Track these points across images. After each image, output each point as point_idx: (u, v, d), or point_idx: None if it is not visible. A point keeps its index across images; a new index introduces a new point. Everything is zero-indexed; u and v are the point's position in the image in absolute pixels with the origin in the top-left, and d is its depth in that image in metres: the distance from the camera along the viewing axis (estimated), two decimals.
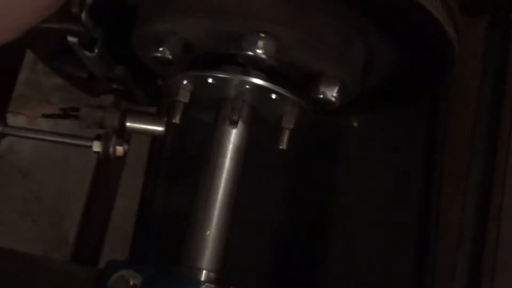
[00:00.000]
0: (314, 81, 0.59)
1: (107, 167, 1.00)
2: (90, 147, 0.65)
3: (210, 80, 0.59)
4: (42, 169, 1.08)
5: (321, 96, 0.59)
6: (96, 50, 0.62)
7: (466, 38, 0.80)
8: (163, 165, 1.02)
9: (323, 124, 0.74)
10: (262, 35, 0.55)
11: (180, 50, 0.57)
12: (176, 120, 0.60)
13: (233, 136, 0.61)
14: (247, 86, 0.58)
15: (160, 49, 0.57)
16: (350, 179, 0.97)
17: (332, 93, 0.59)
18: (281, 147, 0.61)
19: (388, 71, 0.66)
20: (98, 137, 0.64)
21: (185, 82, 0.60)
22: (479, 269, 0.85)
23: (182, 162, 1.01)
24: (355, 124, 0.95)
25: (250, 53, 0.55)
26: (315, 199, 0.97)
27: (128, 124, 0.64)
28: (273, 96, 0.59)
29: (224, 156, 0.61)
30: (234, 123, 0.60)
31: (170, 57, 0.57)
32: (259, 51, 0.55)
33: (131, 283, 0.60)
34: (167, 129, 0.64)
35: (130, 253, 1.01)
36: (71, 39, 0.60)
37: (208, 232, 0.59)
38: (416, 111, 0.97)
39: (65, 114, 0.66)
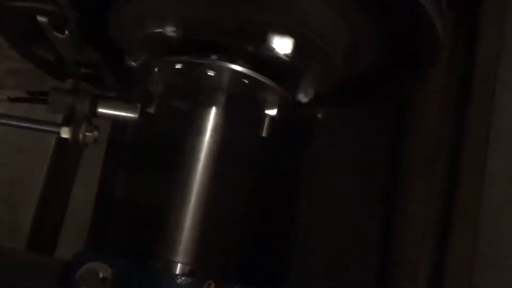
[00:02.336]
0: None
1: (64, 154, 0.96)
2: (58, 133, 0.62)
3: (181, 66, 0.57)
4: None
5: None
6: (66, 32, 0.59)
7: None
8: (124, 153, 0.99)
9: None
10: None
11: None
12: (152, 110, 0.58)
13: (210, 124, 0.60)
14: (223, 72, 0.56)
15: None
16: (316, 174, 0.97)
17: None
18: (262, 134, 0.59)
19: (373, 61, 0.65)
20: (66, 123, 0.61)
21: (157, 69, 0.58)
22: (442, 264, 0.85)
23: (143, 150, 0.99)
24: (319, 115, 0.94)
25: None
26: (282, 192, 0.96)
27: (100, 110, 0.61)
28: (249, 82, 0.57)
29: (200, 147, 0.59)
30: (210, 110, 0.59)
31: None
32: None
33: (101, 276, 0.58)
34: (140, 116, 0.62)
35: (87, 242, 0.98)
36: (41, 19, 0.57)
37: (183, 225, 0.57)
38: (382, 107, 0.97)
39: (33, 98, 0.63)
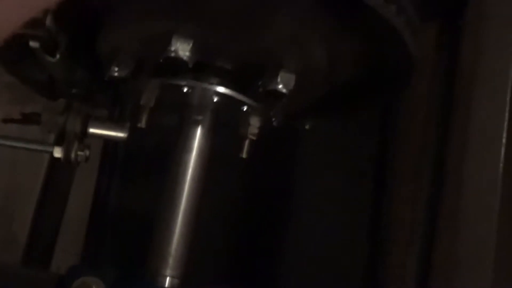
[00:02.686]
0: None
1: (59, 168, 0.98)
2: (51, 152, 0.64)
3: (168, 86, 0.60)
4: None
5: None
6: (57, 55, 0.62)
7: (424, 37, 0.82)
8: (117, 166, 1.01)
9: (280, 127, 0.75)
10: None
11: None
12: (142, 124, 0.60)
13: (197, 141, 0.62)
14: (213, 96, 0.59)
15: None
16: (306, 178, 0.99)
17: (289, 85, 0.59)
18: (242, 155, 0.62)
19: (349, 76, 0.67)
20: (58, 142, 0.64)
21: (150, 87, 0.60)
22: (428, 267, 0.88)
23: (136, 164, 1.01)
24: (307, 126, 0.97)
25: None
26: (270, 202, 0.99)
27: (90, 130, 0.64)
28: (239, 106, 0.60)
29: (187, 162, 0.62)
30: (197, 127, 0.61)
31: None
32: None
33: None
34: (129, 135, 0.64)
35: (82, 254, 1.01)
36: (33, 43, 0.60)
37: (172, 239, 0.60)
38: (369, 114, 0.99)
39: (26, 119, 0.66)
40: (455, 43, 0.97)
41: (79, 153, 0.64)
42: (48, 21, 0.57)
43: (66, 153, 0.63)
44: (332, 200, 0.99)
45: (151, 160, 0.97)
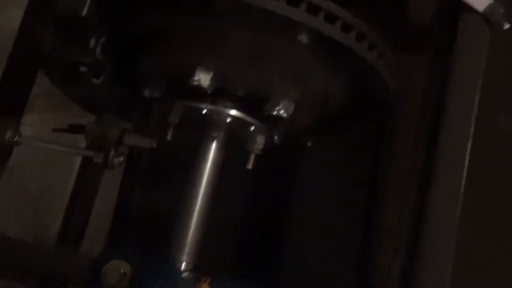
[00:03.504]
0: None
1: (88, 170, 1.11)
2: (92, 157, 0.77)
3: (195, 109, 0.74)
4: (27, 166, 1.19)
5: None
6: (101, 78, 0.76)
7: (409, 71, 0.95)
8: (140, 170, 1.15)
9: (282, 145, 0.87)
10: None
11: None
12: (168, 138, 0.74)
13: (212, 154, 0.76)
14: (227, 118, 0.73)
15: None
16: (305, 191, 1.12)
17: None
18: (248, 167, 0.75)
19: (340, 104, 0.81)
20: (100, 149, 0.77)
21: (176, 107, 0.74)
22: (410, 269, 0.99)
23: (155, 169, 1.15)
24: (309, 144, 1.10)
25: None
26: (274, 203, 1.11)
27: (125, 140, 0.77)
28: (248, 126, 0.73)
29: (203, 170, 0.75)
30: (213, 142, 0.75)
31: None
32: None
33: (122, 271, 0.72)
34: (157, 145, 0.77)
35: (106, 246, 1.14)
36: (82, 68, 0.73)
37: (189, 231, 0.73)
38: (363, 136, 1.12)
39: (73, 129, 0.79)
40: (445, 75, 1.09)
41: (115, 159, 0.78)
42: (98, 51, 0.71)
43: (105, 158, 0.76)
44: (327, 209, 1.11)
45: (168, 166, 1.10)
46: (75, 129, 0.78)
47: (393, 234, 1.05)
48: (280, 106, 0.72)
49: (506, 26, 0.80)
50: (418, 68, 1.13)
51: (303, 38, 0.66)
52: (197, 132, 0.77)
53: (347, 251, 1.11)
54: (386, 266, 1.05)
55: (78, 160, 1.14)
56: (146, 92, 0.75)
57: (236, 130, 0.75)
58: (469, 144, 0.81)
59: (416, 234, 1.00)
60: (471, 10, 0.80)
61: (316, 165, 1.14)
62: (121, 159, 0.78)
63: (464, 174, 0.81)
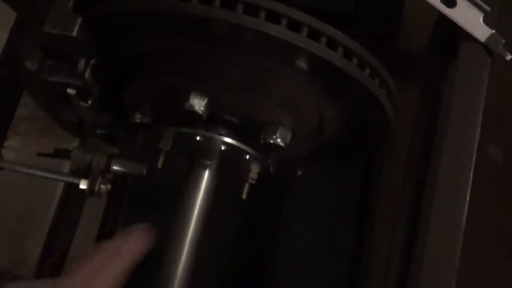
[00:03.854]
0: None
1: (72, 194, 1.08)
2: (77, 184, 0.74)
3: (187, 136, 0.70)
4: (6, 191, 1.15)
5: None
6: (89, 101, 0.72)
7: (401, 100, 0.93)
8: (125, 197, 1.12)
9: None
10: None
11: None
12: (159, 165, 0.70)
13: (204, 182, 0.73)
14: (221, 145, 0.70)
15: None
16: (295, 217, 1.10)
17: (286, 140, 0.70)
18: (242, 196, 0.72)
19: (336, 132, 0.78)
20: (86, 176, 0.74)
21: (168, 133, 0.71)
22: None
23: (142, 197, 1.12)
24: (299, 173, 1.08)
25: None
26: (263, 232, 1.09)
27: (113, 167, 0.74)
28: (242, 154, 0.70)
29: (195, 199, 0.72)
30: (206, 170, 0.72)
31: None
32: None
33: None
34: (147, 174, 0.74)
35: None
36: (70, 91, 0.70)
37: (179, 263, 0.70)
38: (353, 164, 1.10)
39: (58, 154, 0.75)
40: (436, 106, 1.08)
41: (102, 186, 0.74)
42: (87, 74, 0.67)
43: (91, 185, 0.73)
44: (316, 237, 1.09)
45: (154, 194, 1.07)
46: (60, 154, 0.75)
47: (382, 270, 1.04)
48: (277, 134, 0.69)
49: (509, 56, 0.78)
50: (409, 98, 1.12)
51: (303, 64, 0.64)
52: (189, 160, 0.74)
53: (336, 282, 1.08)
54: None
55: (60, 186, 1.11)
56: (137, 117, 0.72)
57: (230, 158, 0.72)
58: (471, 176, 0.79)
59: (407, 272, 0.98)
60: (471, 39, 0.78)
61: (305, 193, 1.12)
62: (109, 186, 0.75)
63: (465, 209, 0.79)
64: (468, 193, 0.82)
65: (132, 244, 0.64)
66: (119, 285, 0.60)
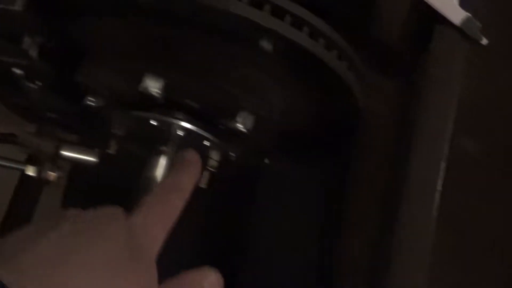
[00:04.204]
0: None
1: (28, 185, 1.03)
2: (23, 170, 0.69)
3: (142, 120, 0.66)
4: None
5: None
6: (38, 83, 0.67)
7: (378, 94, 0.89)
8: (84, 186, 1.06)
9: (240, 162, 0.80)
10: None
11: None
12: (112, 151, 0.66)
13: (163, 169, 0.68)
14: (179, 131, 0.65)
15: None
16: (262, 211, 1.05)
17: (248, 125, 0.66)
18: (202, 185, 0.68)
19: (304, 120, 0.74)
20: (32, 162, 0.69)
21: (122, 118, 0.66)
22: None
23: (101, 185, 1.06)
24: (266, 161, 1.03)
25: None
26: (230, 227, 1.04)
27: (63, 152, 0.69)
28: (201, 140, 0.66)
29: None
30: (161, 158, 0.67)
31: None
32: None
33: None
34: (100, 160, 0.70)
35: None
36: (16, 71, 0.65)
37: None
38: (325, 156, 1.06)
39: (4, 139, 0.71)
40: (407, 101, 1.04)
41: (50, 173, 0.69)
42: (34, 53, 0.62)
43: (38, 172, 0.68)
44: (285, 234, 1.05)
45: (115, 183, 1.02)
46: (7, 139, 0.70)
47: (354, 263, 1.00)
48: (238, 119, 0.64)
49: (484, 41, 0.74)
50: (384, 87, 1.08)
51: (266, 44, 0.59)
52: (144, 146, 0.69)
53: (305, 280, 1.04)
54: None
55: (17, 176, 1.06)
56: (89, 100, 0.67)
57: (188, 145, 0.67)
58: (442, 168, 0.76)
59: (379, 265, 0.94)
60: (446, 23, 0.74)
61: (274, 184, 1.08)
62: (59, 173, 0.70)
63: (437, 201, 0.75)
64: (440, 185, 0.78)
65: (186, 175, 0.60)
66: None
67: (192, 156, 0.63)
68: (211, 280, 0.59)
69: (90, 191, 1.06)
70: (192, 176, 0.61)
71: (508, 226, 1.05)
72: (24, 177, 0.97)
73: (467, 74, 0.89)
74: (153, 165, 0.68)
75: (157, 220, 0.55)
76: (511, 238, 1.14)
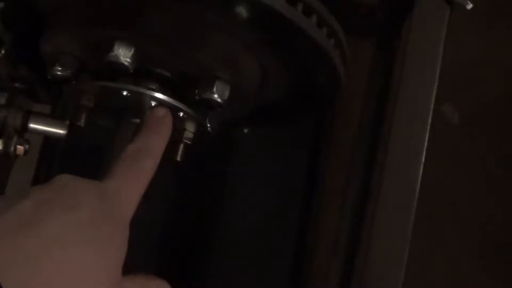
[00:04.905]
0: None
1: None
2: None
3: (113, 90, 0.62)
4: None
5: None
6: (2, 51, 0.64)
7: (353, 58, 0.86)
8: (55, 161, 1.03)
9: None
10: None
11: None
12: (81, 123, 0.63)
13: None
14: (151, 101, 0.62)
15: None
16: (237, 186, 1.03)
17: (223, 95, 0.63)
18: (177, 159, 0.65)
19: (280, 89, 0.71)
20: (1, 135, 0.66)
21: (91, 88, 0.63)
22: (350, 272, 0.91)
23: (74, 159, 1.03)
24: (245, 130, 1.00)
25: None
26: (203, 202, 1.02)
27: (30, 125, 0.66)
28: (175, 112, 0.63)
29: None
30: (133, 130, 0.64)
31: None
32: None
33: None
34: (68, 132, 0.67)
35: None
36: None
37: None
38: (302, 127, 1.03)
39: None
40: (389, 61, 1.02)
41: (18, 146, 0.66)
42: None
43: (5, 146, 0.65)
44: (262, 210, 1.03)
45: (89, 156, 0.99)
46: None
47: (331, 235, 0.99)
48: (214, 89, 0.61)
49: (469, 6, 0.72)
50: (361, 54, 1.06)
51: (242, 10, 0.56)
52: (116, 118, 0.66)
53: (281, 252, 1.03)
54: (324, 267, 0.98)
55: None
56: (56, 70, 0.64)
57: None
58: (426, 136, 0.74)
59: (356, 237, 0.93)
60: None
61: (250, 157, 1.05)
62: (26, 147, 0.67)
63: (420, 170, 0.73)
64: (424, 154, 0.77)
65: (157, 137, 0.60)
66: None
67: (164, 113, 0.61)
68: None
69: (62, 164, 1.03)
70: (164, 137, 0.60)
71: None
72: None
73: (449, 40, 0.87)
74: (124, 137, 0.65)
75: (129, 183, 0.54)
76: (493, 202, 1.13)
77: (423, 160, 0.78)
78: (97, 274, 0.47)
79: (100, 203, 0.50)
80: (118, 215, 0.52)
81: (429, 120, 0.77)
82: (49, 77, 0.65)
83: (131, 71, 0.60)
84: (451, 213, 1.19)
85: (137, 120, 0.65)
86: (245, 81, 0.65)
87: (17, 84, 0.71)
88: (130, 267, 0.63)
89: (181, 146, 0.65)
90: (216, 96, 0.61)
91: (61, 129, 0.67)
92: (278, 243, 1.03)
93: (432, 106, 0.79)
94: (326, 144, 1.05)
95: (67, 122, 0.67)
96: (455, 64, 1.26)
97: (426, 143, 0.78)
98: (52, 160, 1.03)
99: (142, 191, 0.55)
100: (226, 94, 0.62)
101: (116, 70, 0.60)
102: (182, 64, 0.62)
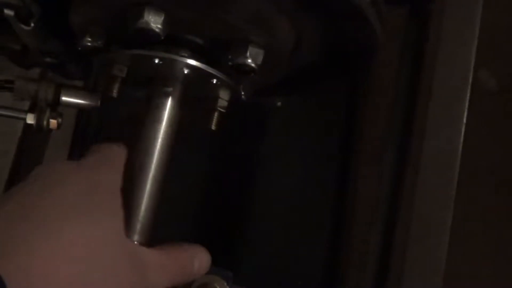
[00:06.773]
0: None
1: (32, 137, 0.99)
2: (24, 119, 0.66)
3: (144, 59, 0.61)
4: None
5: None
6: (32, 24, 0.63)
7: (386, 26, 0.84)
8: (91, 133, 1.03)
9: (247, 104, 0.76)
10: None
11: None
12: (114, 94, 0.62)
13: (167, 112, 0.63)
14: (184, 69, 0.61)
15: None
16: (272, 159, 1.01)
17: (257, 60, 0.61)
18: (211, 127, 0.64)
19: (314, 52, 0.69)
20: (31, 109, 0.65)
21: (122, 57, 0.62)
22: (389, 245, 0.90)
23: (109, 132, 1.03)
24: (279, 103, 0.99)
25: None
26: (237, 175, 1.00)
27: (62, 98, 0.65)
28: (209, 79, 0.61)
29: (157, 132, 0.63)
30: (168, 98, 0.63)
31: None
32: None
33: None
34: (102, 105, 0.66)
35: None
36: (7, 11, 0.61)
37: (141, 207, 0.61)
38: (335, 96, 1.01)
39: (1, 86, 0.67)
40: (423, 27, 1.00)
41: (51, 120, 0.66)
42: None
43: (38, 120, 0.64)
44: (297, 183, 1.01)
45: (124, 128, 0.98)
46: (2, 86, 0.66)
47: (369, 203, 0.97)
48: (247, 54, 0.60)
49: None
50: (396, 22, 1.04)
51: None
52: (148, 87, 0.65)
53: (318, 225, 1.01)
54: (361, 241, 0.96)
55: (21, 124, 1.02)
56: (87, 41, 0.63)
57: (195, 84, 0.63)
58: (466, 103, 0.72)
59: (395, 207, 0.91)
60: None
61: (284, 128, 1.03)
62: (59, 120, 0.67)
63: (462, 136, 0.71)
64: (464, 120, 0.75)
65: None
66: None
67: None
68: (201, 258, 0.62)
69: (96, 137, 1.03)
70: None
71: None
72: (29, 126, 0.94)
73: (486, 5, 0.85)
74: (158, 106, 0.63)
75: (107, 157, 0.59)
76: None
77: (464, 126, 0.76)
78: (96, 243, 0.51)
79: (84, 178, 0.54)
80: (105, 186, 0.56)
81: (470, 83, 0.74)
82: (79, 48, 0.64)
83: (162, 37, 0.59)
84: (490, 180, 1.16)
85: (170, 89, 0.63)
86: (278, 44, 0.63)
87: (48, 59, 0.70)
88: (162, 231, 0.62)
89: (216, 115, 0.64)
90: (249, 60, 0.60)
91: (94, 101, 0.66)
92: (314, 215, 1.01)
93: (471, 73, 0.77)
94: (361, 112, 1.03)
95: (99, 94, 0.66)
96: (491, 29, 1.23)
97: (466, 109, 0.76)
98: (87, 134, 1.03)
99: (123, 160, 0.60)
100: (260, 58, 0.61)
101: (147, 37, 0.59)
102: (213, 29, 0.61)
